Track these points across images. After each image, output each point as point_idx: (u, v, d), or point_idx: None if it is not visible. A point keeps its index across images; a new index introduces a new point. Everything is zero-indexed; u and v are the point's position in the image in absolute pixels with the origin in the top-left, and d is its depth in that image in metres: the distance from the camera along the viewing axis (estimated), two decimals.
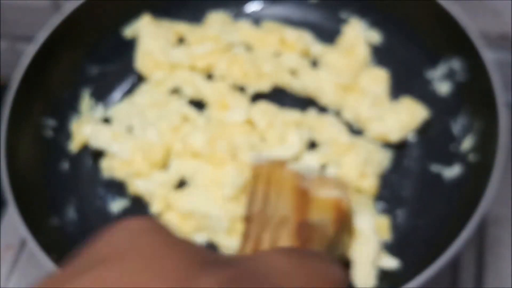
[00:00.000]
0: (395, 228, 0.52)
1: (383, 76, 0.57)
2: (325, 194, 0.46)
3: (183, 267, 0.23)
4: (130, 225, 0.25)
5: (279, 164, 0.49)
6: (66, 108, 0.59)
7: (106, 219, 0.55)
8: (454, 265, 0.57)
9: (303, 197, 0.46)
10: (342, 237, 0.49)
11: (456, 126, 0.55)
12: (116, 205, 0.55)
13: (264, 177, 0.48)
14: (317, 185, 0.47)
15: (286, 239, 0.43)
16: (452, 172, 0.53)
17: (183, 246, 0.25)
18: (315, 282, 0.27)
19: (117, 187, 0.56)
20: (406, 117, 0.55)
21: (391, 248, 0.51)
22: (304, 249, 0.39)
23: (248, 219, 0.46)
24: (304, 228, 0.44)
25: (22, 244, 0.61)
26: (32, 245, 0.48)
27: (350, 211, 0.48)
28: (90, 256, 0.24)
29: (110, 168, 0.56)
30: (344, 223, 0.47)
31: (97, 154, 0.57)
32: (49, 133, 0.58)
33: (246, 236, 0.44)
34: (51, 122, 0.58)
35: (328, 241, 0.45)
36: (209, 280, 0.23)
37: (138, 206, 0.54)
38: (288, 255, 0.27)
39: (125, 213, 0.55)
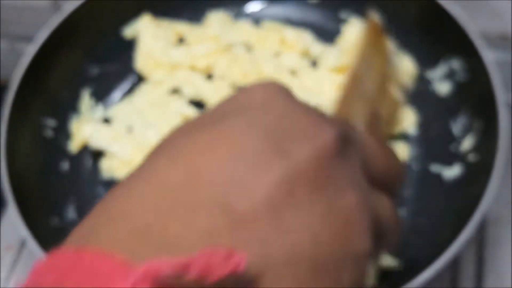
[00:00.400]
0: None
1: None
2: (394, 91, 0.45)
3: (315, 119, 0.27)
4: (265, 85, 0.28)
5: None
6: (66, 108, 0.59)
7: None
8: (454, 265, 0.57)
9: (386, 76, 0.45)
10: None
11: (456, 126, 0.55)
12: None
13: (377, 42, 0.46)
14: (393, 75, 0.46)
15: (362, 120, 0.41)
16: (452, 172, 0.53)
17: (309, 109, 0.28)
18: (393, 164, 0.31)
19: None
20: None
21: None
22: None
23: (353, 79, 0.43)
24: (374, 119, 0.42)
25: (22, 244, 0.61)
26: (32, 245, 0.48)
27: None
28: (226, 106, 0.28)
29: (110, 168, 0.56)
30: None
31: (97, 154, 0.57)
32: (49, 133, 0.58)
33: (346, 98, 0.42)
34: (51, 122, 0.58)
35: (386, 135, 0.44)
36: (331, 130, 0.26)
37: None
38: (375, 139, 0.31)
39: None
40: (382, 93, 0.43)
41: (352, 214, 0.26)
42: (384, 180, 0.30)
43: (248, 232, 0.23)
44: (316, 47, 0.59)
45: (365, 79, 0.43)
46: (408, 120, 0.56)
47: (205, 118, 0.28)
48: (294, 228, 0.24)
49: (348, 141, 0.27)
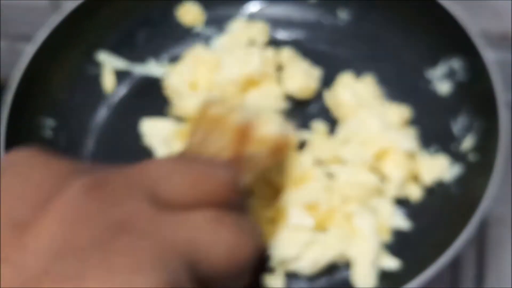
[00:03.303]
0: (395, 228, 0.52)
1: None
2: (265, 130, 0.47)
3: (52, 176, 0.25)
4: (13, 153, 0.28)
5: (228, 106, 0.48)
6: (66, 108, 0.59)
7: None
8: (455, 265, 0.57)
9: (242, 132, 0.46)
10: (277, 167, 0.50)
11: (456, 126, 0.55)
12: None
13: (208, 119, 0.47)
14: (260, 124, 0.47)
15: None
16: (452, 172, 0.53)
17: (57, 160, 0.27)
18: (199, 181, 0.26)
19: None
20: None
21: (391, 248, 0.51)
22: (197, 156, 0.37)
23: (182, 153, 0.45)
24: (238, 159, 0.44)
25: None
26: None
27: (289, 146, 0.49)
28: None
29: None
30: (280, 157, 0.48)
31: (98, 153, 0.58)
32: (48, 133, 0.58)
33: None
34: (50, 122, 0.58)
35: (259, 172, 0.45)
36: (76, 185, 0.25)
37: None
38: (172, 159, 0.28)
39: None
40: (232, 144, 0.45)
41: None
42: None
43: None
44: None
45: (200, 147, 0.45)
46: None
47: None
48: None
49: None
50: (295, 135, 0.51)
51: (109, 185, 0.25)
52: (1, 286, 0.21)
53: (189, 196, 0.26)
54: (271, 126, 0.47)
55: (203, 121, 0.48)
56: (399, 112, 0.55)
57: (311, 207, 0.51)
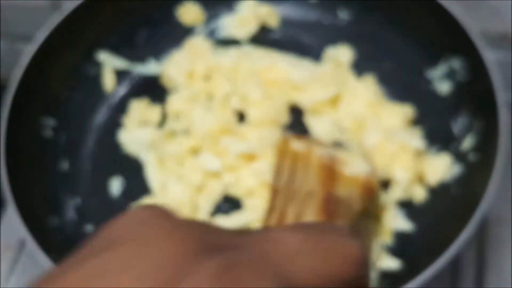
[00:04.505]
0: (397, 230, 0.52)
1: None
2: (352, 170, 0.46)
3: (180, 254, 0.23)
4: (133, 214, 0.25)
5: (306, 141, 0.48)
6: (66, 108, 0.59)
7: (106, 219, 0.55)
8: (455, 265, 0.57)
9: (329, 172, 0.46)
10: (368, 215, 0.49)
11: (457, 126, 0.55)
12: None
13: (290, 153, 0.47)
14: (344, 162, 0.46)
15: (311, 213, 0.43)
16: (452, 171, 0.53)
17: (183, 231, 0.24)
18: (329, 262, 0.25)
19: None
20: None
21: (392, 248, 0.51)
22: (320, 224, 0.37)
23: (274, 191, 0.46)
24: (331, 202, 0.43)
25: (22, 244, 0.61)
26: (32, 245, 0.48)
27: (377, 189, 0.48)
28: (91, 246, 0.24)
29: None
30: (371, 200, 0.47)
31: (98, 153, 0.58)
32: (48, 132, 0.58)
33: (271, 208, 0.44)
34: (50, 122, 0.58)
35: (355, 215, 0.45)
36: (205, 268, 0.23)
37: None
38: (299, 231, 0.25)
39: None
40: (321, 182, 0.45)
41: None
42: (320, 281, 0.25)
43: None
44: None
45: (289, 185, 0.45)
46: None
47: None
48: None
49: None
50: (378, 175, 0.49)
51: (238, 268, 0.23)
52: None
53: (316, 278, 0.25)
54: (357, 165, 0.47)
55: (286, 157, 0.48)
56: (403, 112, 0.55)
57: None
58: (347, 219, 0.44)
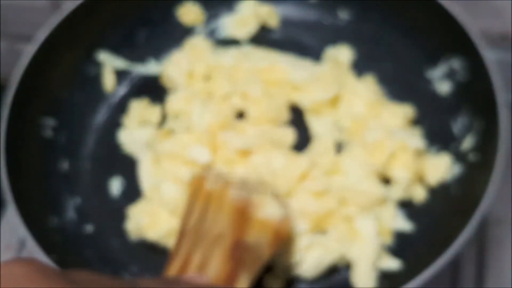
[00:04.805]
0: (398, 230, 0.52)
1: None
2: (265, 214, 0.45)
3: None
4: (9, 271, 0.26)
5: (223, 179, 0.48)
6: (66, 108, 0.59)
7: (106, 219, 0.55)
8: (455, 265, 0.57)
9: (242, 215, 0.45)
10: (281, 257, 0.49)
11: (457, 126, 0.55)
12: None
13: (204, 193, 0.47)
14: (258, 205, 0.46)
15: (218, 259, 0.42)
16: (452, 172, 0.53)
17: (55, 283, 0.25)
18: None
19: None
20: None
21: (392, 248, 0.51)
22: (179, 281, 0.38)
23: (181, 234, 0.45)
24: (239, 248, 0.43)
25: (22, 244, 0.61)
26: (32, 245, 0.48)
27: (291, 233, 0.48)
28: None
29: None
30: (282, 244, 0.47)
31: (98, 153, 0.58)
32: (48, 132, 0.58)
33: (175, 253, 0.43)
34: (50, 122, 0.58)
35: (262, 264, 0.44)
36: None
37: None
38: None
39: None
40: (232, 226, 0.44)
41: None
42: None
43: None
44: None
45: (199, 226, 0.44)
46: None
47: None
48: None
49: None
50: (293, 220, 0.49)
51: None
52: None
53: None
54: (271, 208, 0.46)
55: (198, 196, 0.47)
56: (403, 112, 0.55)
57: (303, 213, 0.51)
58: (254, 268, 0.43)
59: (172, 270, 0.42)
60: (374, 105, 0.56)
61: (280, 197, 0.49)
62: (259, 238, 0.44)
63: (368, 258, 0.50)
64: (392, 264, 0.50)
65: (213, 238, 0.43)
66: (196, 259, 0.42)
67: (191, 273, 0.41)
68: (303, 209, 0.50)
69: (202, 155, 0.53)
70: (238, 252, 0.42)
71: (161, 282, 0.27)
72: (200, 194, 0.47)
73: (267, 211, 0.46)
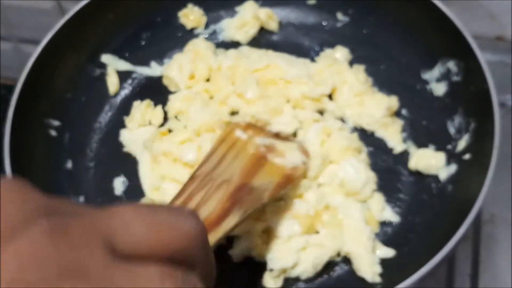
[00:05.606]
0: (392, 225, 0.53)
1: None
2: (283, 161, 0.47)
3: (17, 214, 0.25)
4: None
5: (256, 129, 0.48)
6: (70, 109, 0.59)
7: None
8: (450, 264, 0.58)
9: (258, 161, 0.46)
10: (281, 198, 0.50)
11: (452, 126, 0.56)
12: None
13: (229, 141, 0.48)
14: (279, 153, 0.47)
15: (216, 199, 0.43)
16: (448, 170, 0.54)
17: (26, 196, 0.26)
18: (160, 233, 0.27)
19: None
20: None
21: (388, 244, 0.52)
22: (163, 205, 0.37)
23: (193, 177, 0.45)
24: (242, 191, 0.44)
25: None
26: None
27: (298, 179, 0.49)
28: None
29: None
30: (286, 188, 0.48)
31: (101, 153, 0.58)
32: (53, 132, 0.58)
33: (181, 191, 0.44)
34: (54, 122, 0.58)
35: (259, 205, 0.45)
36: (39, 225, 0.25)
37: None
38: (139, 207, 0.28)
39: None
40: (243, 172, 0.46)
41: None
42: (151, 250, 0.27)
43: None
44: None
45: (209, 173, 0.46)
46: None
47: None
48: None
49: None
50: (308, 166, 0.51)
51: (69, 230, 0.26)
52: None
53: (145, 246, 0.27)
54: (293, 156, 0.47)
55: (222, 145, 0.48)
56: (388, 101, 0.56)
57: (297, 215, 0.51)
58: (250, 207, 0.44)
59: (175, 203, 0.43)
60: (361, 94, 0.57)
61: (305, 150, 0.50)
62: (265, 182, 0.46)
63: (366, 246, 0.50)
64: (389, 253, 0.51)
65: (219, 183, 0.44)
66: (196, 199, 0.43)
67: None
68: (295, 213, 0.51)
69: (188, 154, 0.53)
70: (239, 194, 0.44)
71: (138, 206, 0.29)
72: (225, 142, 0.48)
73: (287, 158, 0.47)
